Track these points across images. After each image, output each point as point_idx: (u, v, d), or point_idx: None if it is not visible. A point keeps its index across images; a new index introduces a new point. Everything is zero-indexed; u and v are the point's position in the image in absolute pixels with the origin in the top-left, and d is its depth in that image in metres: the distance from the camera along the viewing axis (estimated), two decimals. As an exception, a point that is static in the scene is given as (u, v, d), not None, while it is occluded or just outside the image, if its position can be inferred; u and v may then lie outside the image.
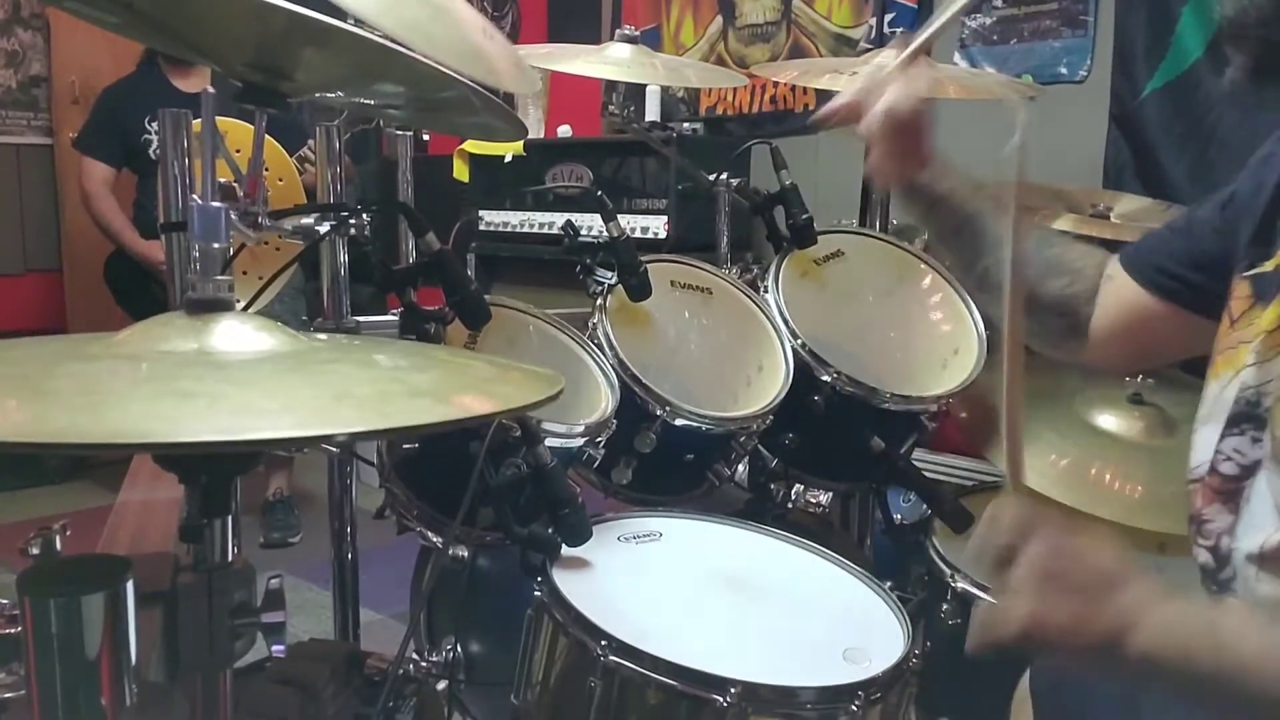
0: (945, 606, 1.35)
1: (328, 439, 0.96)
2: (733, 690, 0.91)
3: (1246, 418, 0.86)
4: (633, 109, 3.46)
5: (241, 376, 0.68)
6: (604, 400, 1.33)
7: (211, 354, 0.70)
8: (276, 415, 0.62)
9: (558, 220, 3.25)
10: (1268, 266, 0.88)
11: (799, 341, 1.50)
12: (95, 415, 0.59)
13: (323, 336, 0.84)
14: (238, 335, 0.72)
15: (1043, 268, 1.09)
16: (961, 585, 1.34)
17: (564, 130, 3.64)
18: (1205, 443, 0.89)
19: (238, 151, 1.04)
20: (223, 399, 0.63)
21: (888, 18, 3.18)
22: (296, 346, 0.73)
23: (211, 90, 0.90)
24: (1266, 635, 0.71)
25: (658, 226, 3.10)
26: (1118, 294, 1.06)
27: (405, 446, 1.24)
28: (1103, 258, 1.10)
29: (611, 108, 3.57)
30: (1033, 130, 0.73)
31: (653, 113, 3.46)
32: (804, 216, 1.65)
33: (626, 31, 1.90)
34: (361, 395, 0.68)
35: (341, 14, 0.78)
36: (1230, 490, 0.87)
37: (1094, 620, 0.74)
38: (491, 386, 0.78)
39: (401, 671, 1.23)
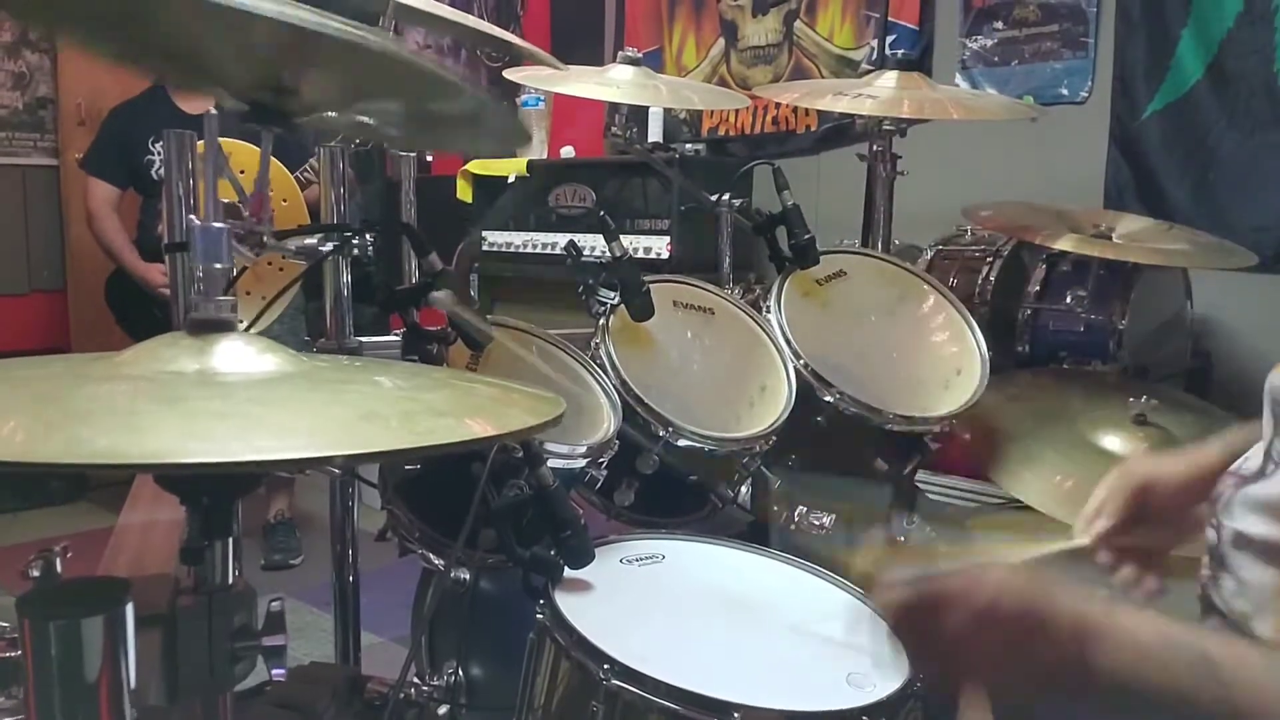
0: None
1: (326, 461, 0.95)
2: (736, 715, 0.90)
3: None
4: (635, 130, 3.47)
5: (242, 397, 0.68)
6: (606, 421, 1.32)
7: (213, 375, 0.70)
8: (276, 436, 0.62)
9: (560, 241, 3.25)
10: None
11: (801, 362, 1.50)
12: (98, 436, 0.58)
13: (324, 357, 0.84)
14: (240, 356, 0.72)
15: None
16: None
17: (567, 151, 3.65)
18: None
19: (241, 173, 1.04)
20: (225, 419, 0.63)
21: (889, 39, 3.20)
22: (298, 367, 0.73)
23: (214, 111, 0.90)
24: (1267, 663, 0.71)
25: (660, 247, 3.10)
26: None
27: (407, 468, 1.24)
28: None
29: (614, 129, 3.58)
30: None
31: (655, 134, 3.48)
32: (806, 236, 1.65)
33: (629, 54, 1.92)
34: (358, 415, 0.68)
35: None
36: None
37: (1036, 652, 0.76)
38: (494, 408, 0.78)
39: (402, 696, 1.22)
